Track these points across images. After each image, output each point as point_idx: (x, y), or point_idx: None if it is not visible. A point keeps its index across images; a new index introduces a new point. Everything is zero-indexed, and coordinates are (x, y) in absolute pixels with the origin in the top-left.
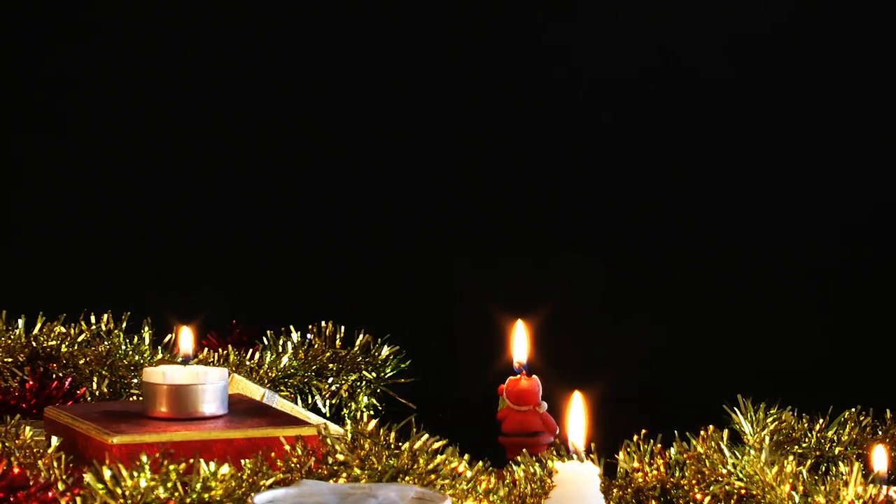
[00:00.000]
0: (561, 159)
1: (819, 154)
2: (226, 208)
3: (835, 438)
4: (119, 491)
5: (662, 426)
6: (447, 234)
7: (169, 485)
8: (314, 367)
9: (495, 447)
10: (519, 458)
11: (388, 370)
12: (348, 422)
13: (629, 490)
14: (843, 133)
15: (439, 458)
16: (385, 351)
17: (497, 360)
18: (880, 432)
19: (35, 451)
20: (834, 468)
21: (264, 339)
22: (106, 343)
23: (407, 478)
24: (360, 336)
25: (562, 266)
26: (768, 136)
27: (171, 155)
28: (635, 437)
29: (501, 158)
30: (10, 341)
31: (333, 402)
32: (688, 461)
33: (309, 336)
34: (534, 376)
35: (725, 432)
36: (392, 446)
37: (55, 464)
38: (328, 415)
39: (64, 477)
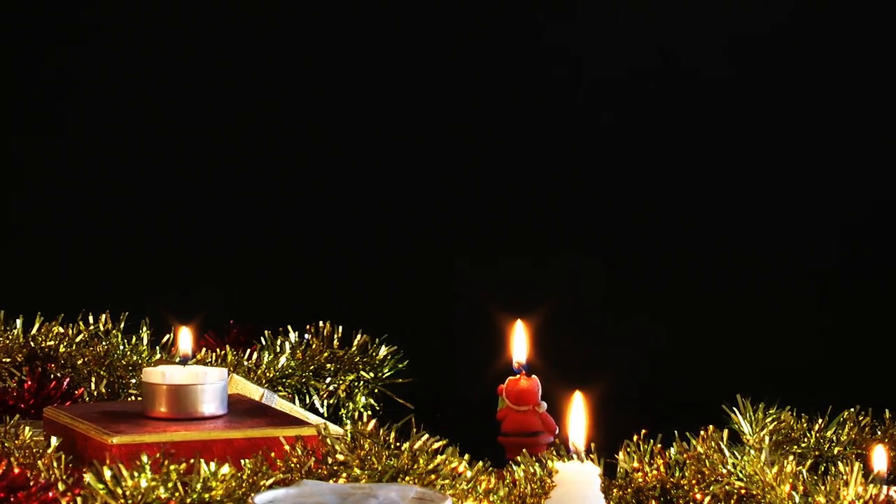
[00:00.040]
0: (561, 159)
1: (819, 154)
2: (226, 208)
3: (834, 438)
4: (120, 491)
5: (662, 426)
6: (447, 234)
7: (170, 485)
8: (312, 367)
9: (495, 447)
10: (519, 458)
11: (385, 370)
12: (347, 422)
13: (629, 490)
14: (843, 133)
15: (439, 458)
16: (383, 351)
17: (497, 360)
18: (879, 432)
19: (35, 451)
20: (833, 468)
21: (262, 339)
22: (104, 343)
23: (407, 478)
24: (358, 336)
25: (562, 266)
26: (768, 136)
27: (171, 155)
28: (635, 437)
29: (501, 158)
30: (8, 341)
31: (331, 402)
32: (688, 461)
33: (306, 336)
34: (533, 376)
35: (725, 432)
36: (392, 446)
37: (55, 464)
38: (325, 415)
39: (64, 477)
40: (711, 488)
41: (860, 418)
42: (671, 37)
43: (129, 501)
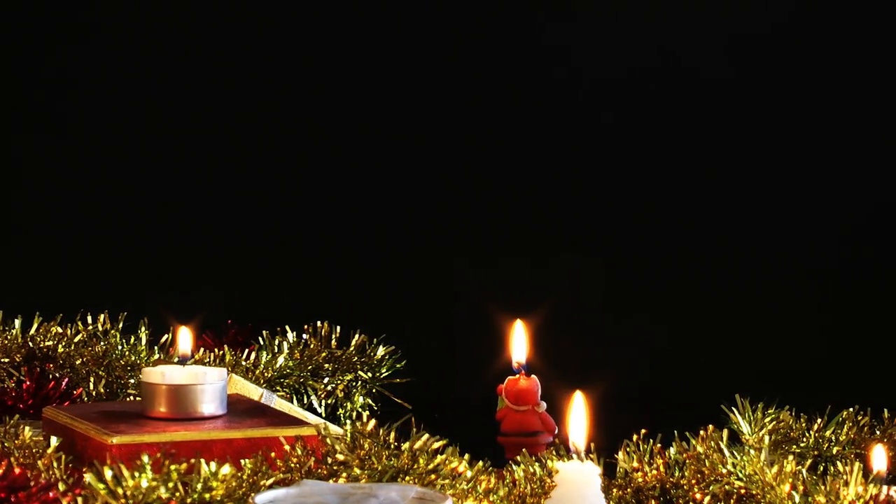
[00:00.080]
0: (561, 159)
1: (819, 154)
2: (226, 208)
3: (833, 438)
4: (120, 491)
5: (662, 426)
6: (447, 234)
7: (170, 485)
8: (310, 367)
9: (495, 447)
10: (519, 457)
11: (383, 370)
12: (346, 422)
13: (629, 490)
14: (843, 133)
15: (439, 458)
16: (381, 351)
17: (496, 360)
18: (878, 432)
19: (35, 451)
20: (832, 468)
21: (260, 339)
22: (103, 343)
23: (407, 478)
24: (356, 336)
25: (562, 266)
26: (768, 136)
27: (171, 155)
28: (635, 437)
29: (501, 158)
30: (6, 341)
31: (329, 402)
32: (687, 461)
33: (304, 336)
34: (533, 376)
35: (725, 432)
36: (392, 446)
37: (55, 464)
38: (324, 415)
39: (64, 477)
40: (711, 488)
41: (859, 418)
42: (671, 37)
43: (130, 501)
